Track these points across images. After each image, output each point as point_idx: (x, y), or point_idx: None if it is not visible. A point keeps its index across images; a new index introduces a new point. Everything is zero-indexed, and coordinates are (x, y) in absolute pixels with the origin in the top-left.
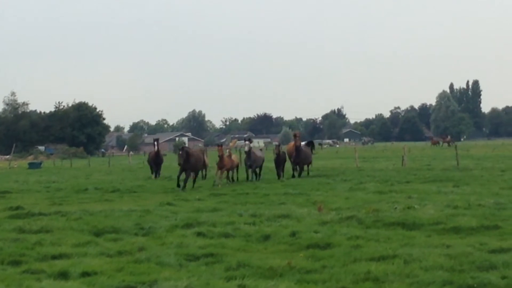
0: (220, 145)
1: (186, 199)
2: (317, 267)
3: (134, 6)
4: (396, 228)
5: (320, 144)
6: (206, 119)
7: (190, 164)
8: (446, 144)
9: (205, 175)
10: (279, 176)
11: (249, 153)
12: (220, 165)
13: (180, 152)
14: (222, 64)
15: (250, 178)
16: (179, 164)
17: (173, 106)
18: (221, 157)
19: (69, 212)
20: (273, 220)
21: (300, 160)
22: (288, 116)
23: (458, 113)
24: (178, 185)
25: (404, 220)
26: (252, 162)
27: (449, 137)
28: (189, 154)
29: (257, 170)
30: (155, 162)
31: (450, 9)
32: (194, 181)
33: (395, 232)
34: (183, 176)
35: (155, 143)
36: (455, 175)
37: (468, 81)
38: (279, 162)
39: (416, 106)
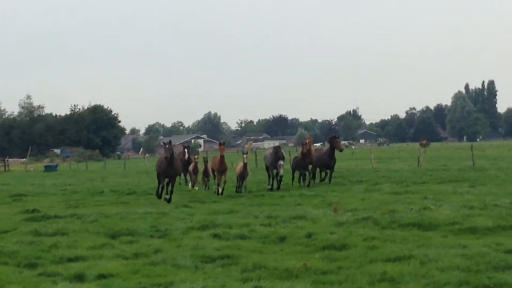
0: (222, 144)
1: (202, 201)
2: (333, 268)
3: (148, 9)
4: (412, 229)
5: None
6: (222, 121)
7: (175, 170)
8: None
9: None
10: (300, 180)
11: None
12: (221, 169)
13: (167, 146)
14: (238, 66)
15: (276, 185)
16: (160, 168)
17: (189, 108)
18: (222, 158)
19: (85, 215)
20: (289, 222)
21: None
22: (303, 118)
23: (474, 114)
24: (160, 196)
25: (420, 221)
26: (280, 166)
27: (425, 141)
28: (174, 158)
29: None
30: (186, 169)
31: (465, 9)
32: (172, 188)
33: (411, 232)
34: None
35: (185, 150)
36: (471, 176)
37: (483, 82)
38: (305, 164)
39: (432, 107)
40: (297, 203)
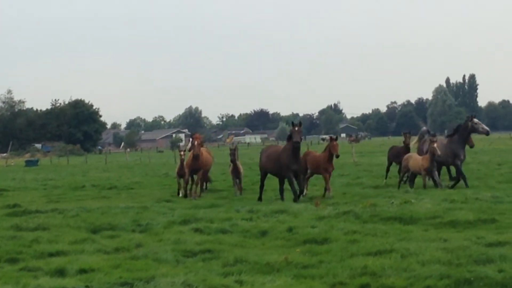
0: (334, 139)
1: (184, 195)
2: (314, 262)
3: (128, 3)
4: (393, 223)
5: (322, 139)
6: (203, 115)
7: (300, 163)
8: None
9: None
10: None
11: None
12: (330, 169)
13: (296, 128)
14: (219, 60)
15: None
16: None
17: (170, 102)
18: (331, 156)
19: (66, 210)
20: (270, 216)
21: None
22: (284, 112)
23: (455, 107)
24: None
25: (401, 215)
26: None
27: (353, 137)
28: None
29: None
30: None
31: (446, 3)
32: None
33: (392, 226)
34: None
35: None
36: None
37: (464, 75)
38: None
39: (413, 101)
40: (278, 197)
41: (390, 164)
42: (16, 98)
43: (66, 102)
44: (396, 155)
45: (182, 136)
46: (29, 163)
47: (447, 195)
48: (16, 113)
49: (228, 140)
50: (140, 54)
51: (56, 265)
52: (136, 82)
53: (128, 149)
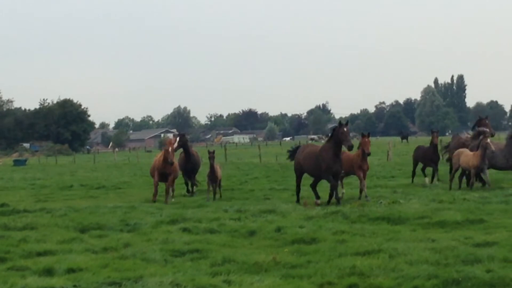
0: (367, 136)
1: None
2: (302, 262)
3: (117, 3)
4: (381, 223)
5: (311, 139)
6: (191, 115)
7: (341, 163)
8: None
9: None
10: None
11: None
12: (365, 167)
13: (346, 129)
14: (207, 60)
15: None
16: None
17: (158, 102)
18: (364, 154)
19: (54, 209)
20: (259, 216)
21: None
22: (273, 112)
23: (443, 108)
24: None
25: (389, 215)
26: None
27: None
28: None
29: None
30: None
31: (434, 3)
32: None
33: (380, 226)
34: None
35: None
36: (440, 170)
37: (452, 76)
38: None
39: (401, 101)
40: (266, 197)
41: (416, 165)
42: (4, 98)
43: (55, 102)
44: (423, 156)
45: (170, 136)
46: (17, 163)
47: (435, 195)
48: (4, 112)
49: (216, 140)
50: (129, 54)
51: (44, 264)
52: (125, 82)
53: (117, 149)
